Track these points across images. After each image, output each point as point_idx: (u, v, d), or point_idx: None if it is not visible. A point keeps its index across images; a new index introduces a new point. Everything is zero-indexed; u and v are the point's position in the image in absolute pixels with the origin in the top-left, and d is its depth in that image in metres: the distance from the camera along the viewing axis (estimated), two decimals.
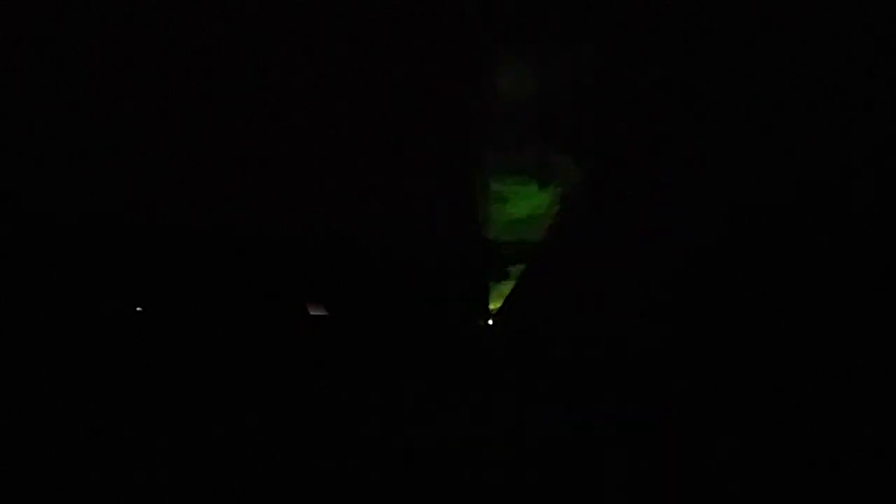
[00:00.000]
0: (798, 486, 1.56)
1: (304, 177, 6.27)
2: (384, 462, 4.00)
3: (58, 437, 4.34)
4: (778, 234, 1.76)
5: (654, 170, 2.69)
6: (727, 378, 2.01)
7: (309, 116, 4.29)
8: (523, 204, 5.87)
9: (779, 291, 1.74)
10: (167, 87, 3.76)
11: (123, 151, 5.27)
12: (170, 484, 3.45)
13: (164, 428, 4.80)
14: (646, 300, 2.85)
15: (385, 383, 8.14)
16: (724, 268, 2.04)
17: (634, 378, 3.02)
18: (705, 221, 2.18)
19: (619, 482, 2.67)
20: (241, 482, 3.53)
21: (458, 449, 4.22)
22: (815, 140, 1.63)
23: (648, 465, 2.52)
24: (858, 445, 1.39)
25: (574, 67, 2.83)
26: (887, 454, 1.31)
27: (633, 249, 3.04)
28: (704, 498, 2.02)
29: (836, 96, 1.55)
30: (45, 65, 3.33)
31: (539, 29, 2.62)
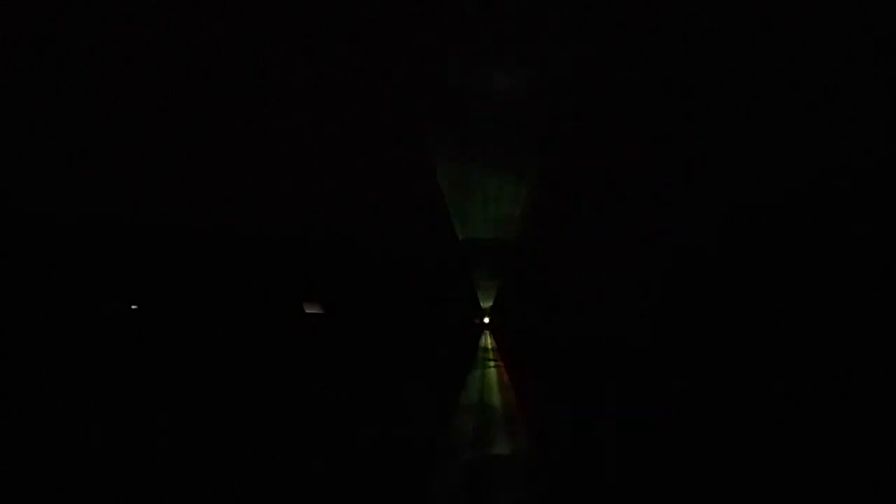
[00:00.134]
0: (798, 486, 1.57)
1: (303, 177, 6.26)
2: (384, 462, 4.00)
3: (57, 436, 4.34)
4: (778, 234, 1.76)
5: (654, 169, 2.69)
6: (727, 378, 2.01)
7: (309, 116, 4.29)
8: (522, 203, 5.87)
9: (779, 291, 1.74)
10: (167, 87, 3.76)
11: (123, 151, 5.26)
12: (169, 483, 3.45)
13: (163, 427, 4.80)
14: (646, 300, 2.85)
15: (384, 383, 8.14)
16: (725, 268, 2.04)
17: (634, 378, 3.02)
18: (705, 221, 2.18)
19: (620, 482, 2.67)
20: (241, 481, 3.53)
21: (458, 449, 4.22)
22: (815, 140, 1.63)
23: (648, 465, 2.53)
24: (858, 445, 1.38)
25: (572, 66, 2.83)
26: (887, 454, 1.31)
27: (632, 249, 3.04)
28: (704, 498, 2.02)
29: (836, 96, 1.55)
30: (45, 65, 3.33)
31: (538, 28, 2.62)
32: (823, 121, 1.58)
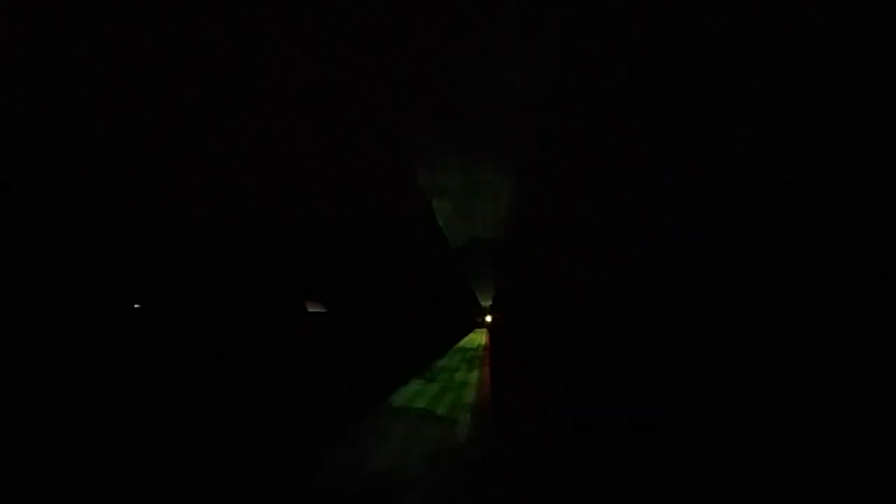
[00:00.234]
0: (798, 485, 1.57)
1: (304, 176, 6.27)
2: (383, 461, 4.01)
3: (57, 435, 4.34)
4: (778, 234, 1.76)
5: (654, 169, 2.69)
6: (727, 378, 2.01)
7: (309, 116, 4.29)
8: (520, 203, 5.87)
9: (779, 291, 1.74)
10: (167, 87, 3.76)
11: (125, 151, 5.27)
12: (169, 483, 3.45)
13: (163, 426, 4.80)
14: (645, 300, 2.85)
15: (384, 382, 8.15)
16: (724, 268, 2.04)
17: (634, 378, 3.02)
18: (705, 221, 2.18)
19: (620, 482, 2.67)
20: (241, 481, 3.53)
21: (458, 448, 4.22)
22: (815, 140, 1.63)
23: (648, 465, 2.53)
24: (858, 445, 1.39)
25: (572, 66, 2.83)
26: (888, 454, 1.31)
27: (632, 249, 3.04)
28: (704, 498, 2.02)
29: (836, 96, 1.55)
30: (45, 65, 3.33)
31: (537, 28, 2.62)
32: (823, 121, 1.58)
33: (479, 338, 23.92)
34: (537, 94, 3.33)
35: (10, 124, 4.51)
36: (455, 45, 2.84)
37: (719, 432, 1.98)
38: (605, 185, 3.17)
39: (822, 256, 1.57)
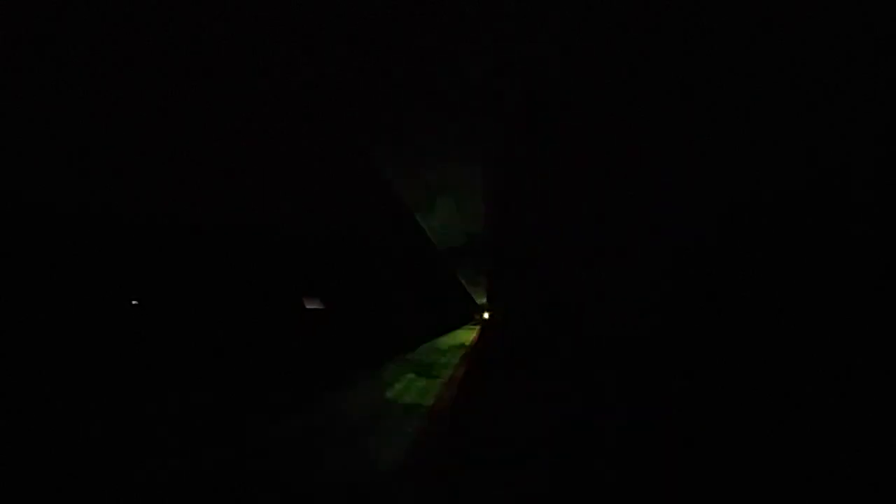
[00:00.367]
0: (798, 485, 1.57)
1: (304, 175, 6.27)
2: (383, 460, 4.01)
3: (57, 435, 4.34)
4: (778, 234, 1.76)
5: (654, 169, 2.69)
6: (727, 378, 2.02)
7: (309, 117, 4.29)
8: (520, 203, 5.87)
9: (779, 291, 1.74)
10: (167, 87, 3.76)
11: (125, 150, 5.27)
12: (169, 483, 3.45)
13: (163, 425, 4.80)
14: (645, 300, 2.85)
15: (383, 381, 8.13)
16: (724, 268, 2.04)
17: (634, 378, 3.02)
18: (705, 221, 2.18)
19: (620, 482, 2.67)
20: (241, 480, 3.53)
21: (458, 449, 4.22)
22: (815, 140, 1.63)
23: (648, 465, 2.53)
24: (859, 445, 1.39)
25: (571, 66, 2.83)
26: (888, 454, 1.31)
27: (632, 249, 3.04)
28: (704, 498, 2.02)
29: (836, 96, 1.55)
30: (45, 65, 3.33)
31: (537, 28, 2.62)
32: (823, 121, 1.58)
33: (469, 334, 23.61)
34: (537, 94, 3.33)
35: (10, 124, 4.51)
36: (455, 45, 2.84)
37: (719, 432, 1.98)
38: (605, 185, 3.17)
39: (822, 256, 1.58)
